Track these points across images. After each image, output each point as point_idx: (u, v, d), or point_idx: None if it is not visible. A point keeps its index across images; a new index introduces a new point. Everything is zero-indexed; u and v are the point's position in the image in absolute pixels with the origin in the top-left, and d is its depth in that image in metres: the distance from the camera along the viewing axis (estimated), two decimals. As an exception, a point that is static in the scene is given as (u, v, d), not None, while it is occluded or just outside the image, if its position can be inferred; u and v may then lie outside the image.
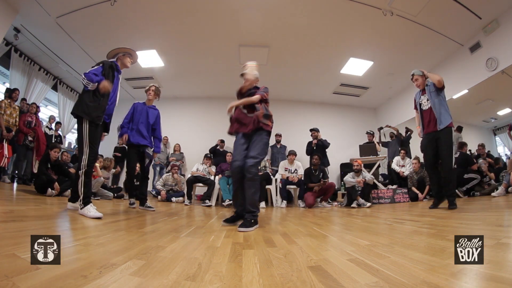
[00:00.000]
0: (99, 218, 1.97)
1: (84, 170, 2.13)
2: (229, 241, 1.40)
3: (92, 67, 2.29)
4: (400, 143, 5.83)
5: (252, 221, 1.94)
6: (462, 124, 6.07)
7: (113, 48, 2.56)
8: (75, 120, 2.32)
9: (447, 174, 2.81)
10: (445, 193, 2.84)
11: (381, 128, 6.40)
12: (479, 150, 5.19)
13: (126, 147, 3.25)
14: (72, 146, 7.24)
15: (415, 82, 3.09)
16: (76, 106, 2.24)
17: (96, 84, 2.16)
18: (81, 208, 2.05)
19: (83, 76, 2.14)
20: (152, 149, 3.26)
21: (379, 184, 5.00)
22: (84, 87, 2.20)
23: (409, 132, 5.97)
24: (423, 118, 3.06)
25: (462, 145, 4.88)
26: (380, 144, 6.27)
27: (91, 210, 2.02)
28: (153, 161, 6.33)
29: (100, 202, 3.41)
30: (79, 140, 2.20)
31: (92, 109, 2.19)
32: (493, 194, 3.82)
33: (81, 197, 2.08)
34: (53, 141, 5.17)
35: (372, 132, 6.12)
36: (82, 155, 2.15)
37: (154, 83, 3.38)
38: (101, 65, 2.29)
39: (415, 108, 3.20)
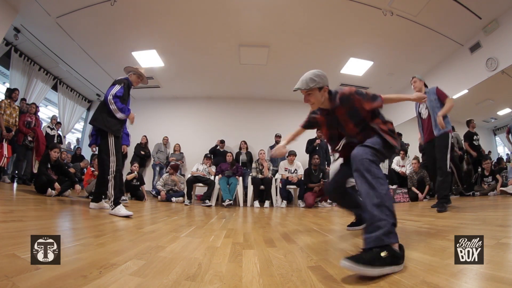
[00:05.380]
0: (129, 216, 2.18)
1: (113, 175, 2.39)
2: (229, 241, 1.40)
3: (113, 84, 2.53)
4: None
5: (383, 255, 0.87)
6: (462, 125, 6.08)
7: (129, 66, 2.80)
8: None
9: (441, 177, 2.78)
10: (437, 195, 2.82)
11: None
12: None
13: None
14: (72, 146, 7.24)
15: (413, 84, 3.07)
16: (97, 120, 2.46)
17: (126, 116, 2.49)
18: (112, 209, 2.26)
19: (112, 101, 2.40)
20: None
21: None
22: (109, 108, 2.42)
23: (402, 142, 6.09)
24: (423, 127, 3.03)
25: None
26: None
27: (121, 209, 2.23)
28: (152, 160, 6.38)
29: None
30: (105, 150, 2.43)
31: (113, 124, 2.46)
32: (489, 194, 3.84)
33: (112, 199, 2.30)
34: (54, 141, 5.17)
35: None
36: (110, 162, 2.42)
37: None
38: (122, 85, 2.54)
39: (417, 116, 3.18)
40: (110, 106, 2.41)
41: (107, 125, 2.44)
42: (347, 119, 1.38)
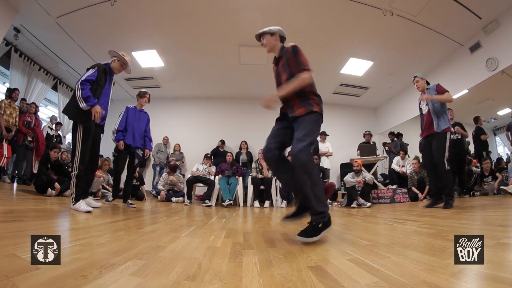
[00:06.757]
0: (89, 211, 2.16)
1: (75, 172, 2.26)
2: (229, 241, 1.40)
3: (88, 69, 2.34)
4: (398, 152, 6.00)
5: (320, 225, 1.35)
6: (464, 125, 6.10)
7: (114, 50, 2.62)
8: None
9: (442, 176, 2.86)
10: (443, 194, 2.90)
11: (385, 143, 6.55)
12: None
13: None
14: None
15: (415, 84, 3.11)
16: (67, 108, 2.32)
17: (89, 107, 2.22)
18: (73, 205, 2.21)
19: (80, 87, 2.19)
20: (141, 150, 3.47)
21: (379, 184, 5.01)
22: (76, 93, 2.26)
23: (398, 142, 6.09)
24: (423, 122, 3.12)
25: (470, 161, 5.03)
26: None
27: (82, 205, 2.20)
28: (152, 160, 6.38)
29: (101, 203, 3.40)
30: (73, 141, 2.31)
31: (80, 113, 2.25)
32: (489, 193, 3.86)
33: (73, 196, 2.24)
34: (54, 141, 5.17)
35: (370, 133, 6.14)
36: (74, 157, 2.28)
37: (148, 90, 3.55)
38: (96, 68, 2.33)
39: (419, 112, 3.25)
40: (76, 92, 2.20)
41: (74, 113, 2.25)
42: (283, 70, 1.57)
